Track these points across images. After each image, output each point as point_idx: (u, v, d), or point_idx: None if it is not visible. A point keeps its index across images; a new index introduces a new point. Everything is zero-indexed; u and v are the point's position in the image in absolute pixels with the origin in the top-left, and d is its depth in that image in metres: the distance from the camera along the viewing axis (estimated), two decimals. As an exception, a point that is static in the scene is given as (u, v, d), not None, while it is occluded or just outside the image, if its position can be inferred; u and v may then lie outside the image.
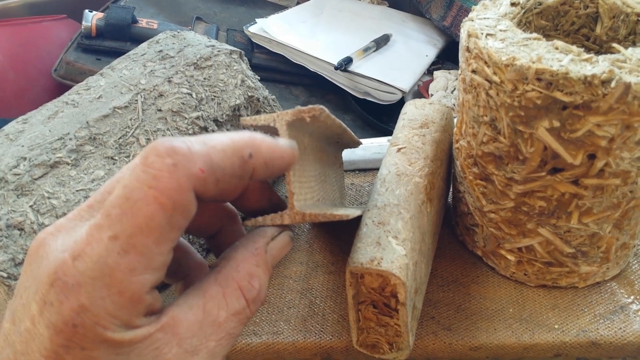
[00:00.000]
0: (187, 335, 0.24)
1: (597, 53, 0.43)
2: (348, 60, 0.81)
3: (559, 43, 0.34)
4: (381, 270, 0.33)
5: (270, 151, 0.25)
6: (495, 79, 0.35)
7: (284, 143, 0.27)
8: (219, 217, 0.31)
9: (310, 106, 0.29)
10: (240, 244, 0.28)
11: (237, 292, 0.26)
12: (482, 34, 0.36)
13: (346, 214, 0.30)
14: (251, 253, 0.27)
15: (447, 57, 0.94)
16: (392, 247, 0.35)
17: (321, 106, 0.29)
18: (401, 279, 0.33)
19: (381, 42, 0.89)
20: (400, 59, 0.88)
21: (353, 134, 0.41)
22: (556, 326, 0.41)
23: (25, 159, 0.40)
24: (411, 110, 0.49)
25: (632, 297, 0.43)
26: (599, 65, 0.32)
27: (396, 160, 0.43)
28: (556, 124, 0.33)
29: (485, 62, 0.35)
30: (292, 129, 0.29)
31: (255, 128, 0.30)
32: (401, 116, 0.49)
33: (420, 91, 0.86)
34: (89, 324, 0.21)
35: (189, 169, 0.22)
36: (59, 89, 0.78)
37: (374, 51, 0.88)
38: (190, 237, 0.45)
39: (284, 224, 0.29)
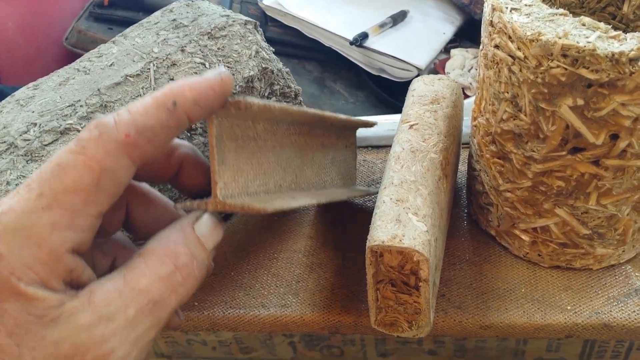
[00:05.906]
0: (103, 304, 0.24)
1: (624, 32, 0.42)
2: (364, 36, 0.80)
3: (586, 19, 0.33)
4: (403, 247, 0.33)
5: (195, 89, 0.25)
6: (519, 54, 0.34)
7: (210, 73, 0.26)
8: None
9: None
10: (167, 227, 0.27)
11: (161, 258, 0.25)
12: (506, 7, 0.35)
13: (274, 207, 0.29)
14: (176, 230, 0.27)
15: (465, 36, 0.92)
16: (413, 223, 0.34)
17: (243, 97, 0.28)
18: (424, 255, 0.33)
19: (398, 18, 0.88)
20: (417, 36, 0.87)
21: (359, 118, 0.40)
22: (568, 307, 0.41)
23: (35, 124, 0.40)
24: (420, 87, 0.48)
25: (647, 281, 0.42)
26: (627, 43, 0.31)
27: (409, 137, 0.42)
28: (580, 102, 0.33)
29: (509, 37, 0.34)
30: (222, 119, 0.28)
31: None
32: (410, 92, 0.48)
33: (437, 69, 0.84)
34: (4, 272, 0.22)
35: (114, 136, 0.23)
36: (70, 57, 0.77)
37: (391, 27, 0.86)
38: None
39: (208, 210, 0.28)
